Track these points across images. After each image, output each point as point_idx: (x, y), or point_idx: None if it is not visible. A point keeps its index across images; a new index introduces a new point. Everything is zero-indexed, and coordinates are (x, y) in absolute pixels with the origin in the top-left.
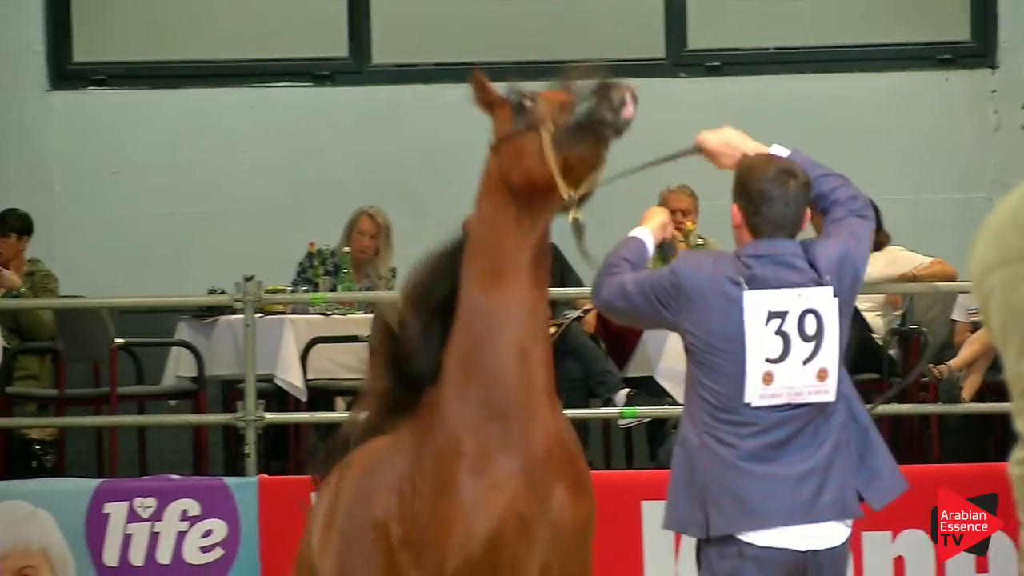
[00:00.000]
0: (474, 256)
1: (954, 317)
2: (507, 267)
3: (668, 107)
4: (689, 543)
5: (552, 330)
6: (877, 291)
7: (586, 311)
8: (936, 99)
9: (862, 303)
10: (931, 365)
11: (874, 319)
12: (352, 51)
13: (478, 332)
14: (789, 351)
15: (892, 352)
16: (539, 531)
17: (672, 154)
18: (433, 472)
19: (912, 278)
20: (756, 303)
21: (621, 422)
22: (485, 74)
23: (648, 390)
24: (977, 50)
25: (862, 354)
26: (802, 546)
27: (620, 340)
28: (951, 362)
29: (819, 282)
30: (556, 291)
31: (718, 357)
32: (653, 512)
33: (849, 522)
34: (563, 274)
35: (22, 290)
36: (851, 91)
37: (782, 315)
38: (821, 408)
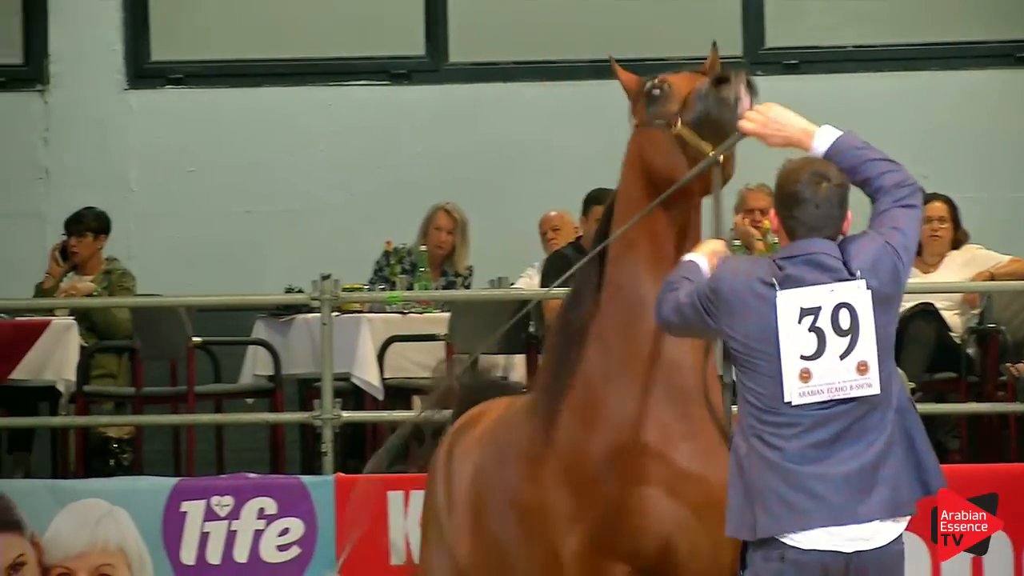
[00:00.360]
0: (635, 243)
1: None
2: (670, 255)
3: None
4: None
5: None
6: (955, 289)
7: None
8: (1014, 97)
9: (940, 301)
10: (1009, 364)
11: (952, 318)
12: (429, 49)
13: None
14: (824, 347)
15: (970, 351)
16: (715, 516)
17: (723, 146)
18: (615, 459)
19: (990, 276)
20: (788, 302)
21: None
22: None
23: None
24: None
25: (940, 353)
26: (847, 548)
27: None
28: None
29: (850, 277)
30: None
31: (757, 359)
32: None
33: (903, 519)
34: None
35: (97, 290)
36: (928, 89)
37: (815, 311)
38: (867, 402)
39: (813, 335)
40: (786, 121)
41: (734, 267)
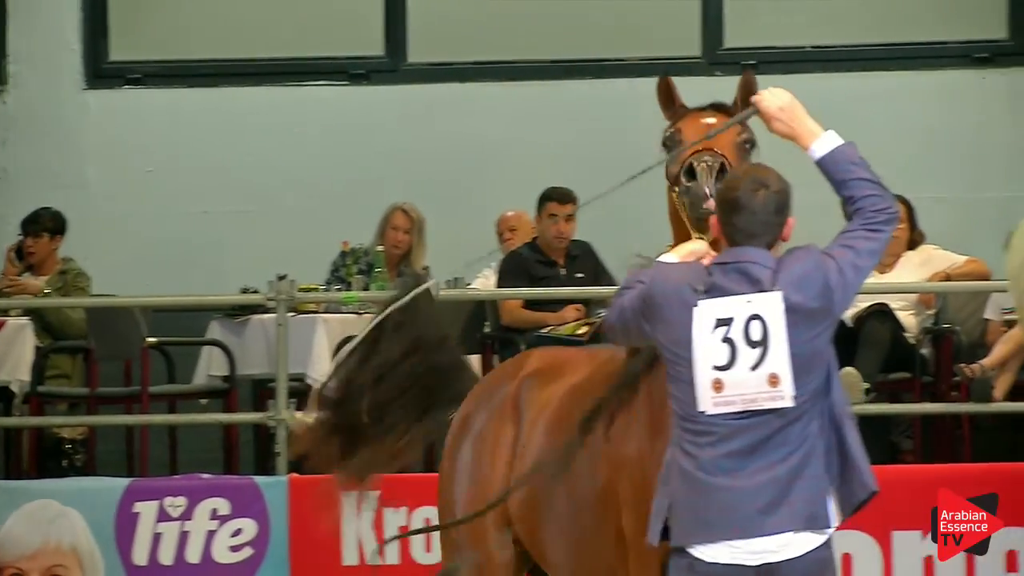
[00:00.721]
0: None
1: (987, 316)
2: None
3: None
4: None
5: (584, 330)
6: (910, 290)
7: None
8: (973, 98)
9: (895, 302)
10: (963, 364)
11: (907, 318)
12: (388, 49)
13: None
14: (736, 358)
15: (925, 351)
16: None
17: (733, 119)
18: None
19: (946, 277)
20: (706, 310)
21: None
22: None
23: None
24: (1014, 48)
25: (895, 353)
26: (751, 561)
27: None
28: (984, 361)
29: (767, 288)
30: (589, 291)
31: (680, 365)
32: None
33: (824, 530)
34: (597, 274)
35: (45, 290)
36: (888, 90)
37: (728, 322)
38: (784, 415)
39: (726, 346)
40: (799, 115)
41: (668, 272)
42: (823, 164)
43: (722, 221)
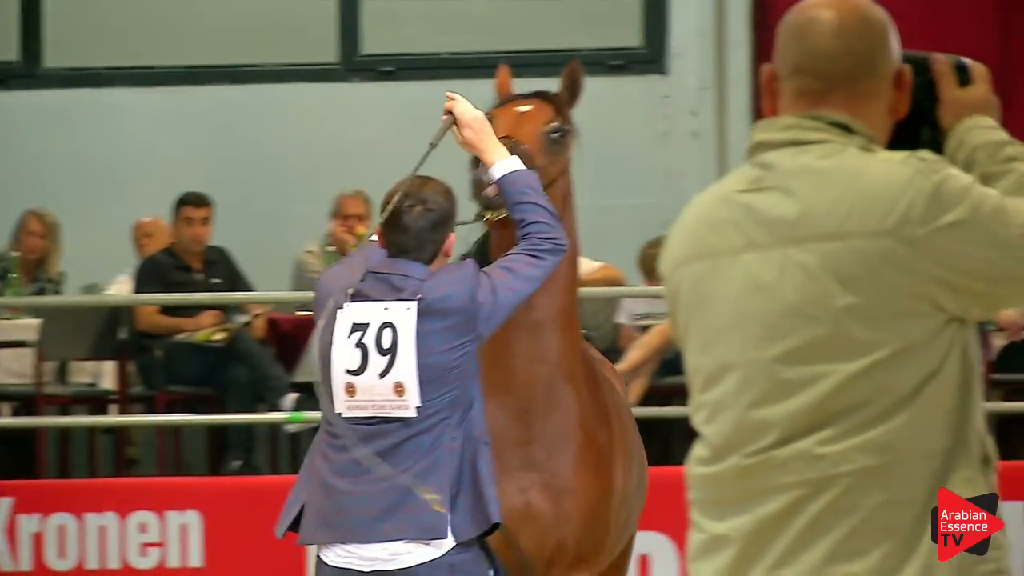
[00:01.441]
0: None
1: (620, 321)
2: None
3: (341, 112)
4: None
5: (221, 336)
6: None
7: (257, 315)
8: (607, 105)
9: None
10: None
11: None
12: (23, 54)
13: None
14: (367, 364)
15: None
16: (548, 517)
17: (436, 138)
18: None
19: (580, 283)
20: (346, 315)
21: (288, 427)
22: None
23: (316, 395)
24: (648, 56)
25: None
26: (365, 567)
27: (289, 345)
28: (618, 366)
29: (407, 298)
30: (226, 296)
31: (324, 368)
32: None
33: (443, 543)
34: (233, 279)
35: None
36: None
37: (363, 327)
38: (413, 425)
39: (359, 351)
40: (488, 131)
41: (335, 272)
42: (502, 184)
43: (382, 231)
